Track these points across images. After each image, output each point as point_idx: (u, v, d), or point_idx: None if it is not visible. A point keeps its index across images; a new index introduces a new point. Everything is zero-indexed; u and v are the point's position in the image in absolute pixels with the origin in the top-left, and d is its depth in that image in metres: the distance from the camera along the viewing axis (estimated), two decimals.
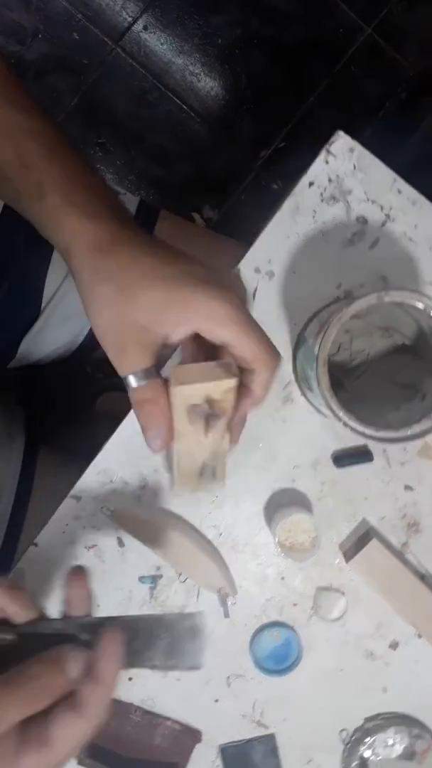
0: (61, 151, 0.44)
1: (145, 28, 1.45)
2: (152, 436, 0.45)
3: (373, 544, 0.55)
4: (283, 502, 0.57)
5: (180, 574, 0.57)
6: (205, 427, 0.48)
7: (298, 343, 0.57)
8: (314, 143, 0.58)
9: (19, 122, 0.44)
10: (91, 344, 0.74)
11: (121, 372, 0.43)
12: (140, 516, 0.55)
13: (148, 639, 0.40)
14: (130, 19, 1.44)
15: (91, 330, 0.72)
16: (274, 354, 0.43)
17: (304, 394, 0.56)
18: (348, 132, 0.56)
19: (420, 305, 0.47)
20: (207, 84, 1.48)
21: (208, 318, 0.41)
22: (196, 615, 0.42)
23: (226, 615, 0.57)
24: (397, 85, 1.42)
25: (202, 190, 1.51)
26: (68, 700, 0.36)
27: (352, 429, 0.48)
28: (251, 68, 1.48)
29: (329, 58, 1.49)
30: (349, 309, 0.47)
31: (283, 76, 1.49)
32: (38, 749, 0.35)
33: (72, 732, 0.36)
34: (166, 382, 0.43)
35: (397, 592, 0.56)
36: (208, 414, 0.49)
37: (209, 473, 0.53)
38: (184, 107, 1.48)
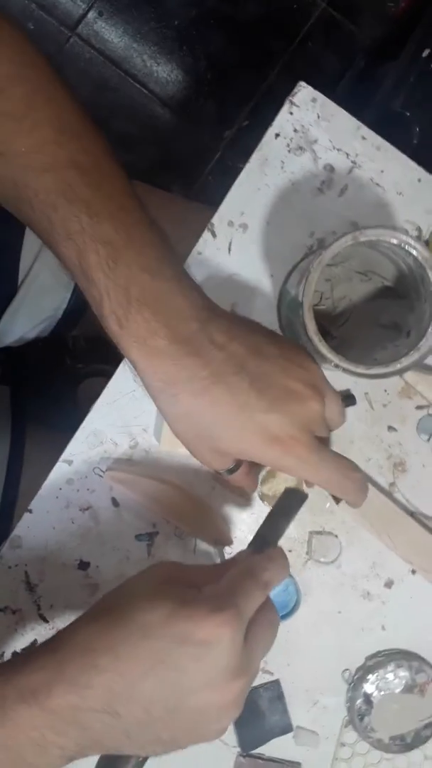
0: (123, 261, 0.41)
1: (100, 14, 1.45)
2: (240, 495, 0.53)
3: None
4: None
5: (176, 528, 0.57)
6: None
7: (281, 298, 0.58)
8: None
9: (83, 225, 0.40)
10: (70, 319, 0.75)
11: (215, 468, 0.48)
12: (132, 473, 0.56)
13: (274, 525, 0.49)
14: (84, 6, 1.44)
15: (70, 303, 0.72)
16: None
17: None
18: None
19: (395, 241, 0.48)
20: (167, 67, 1.48)
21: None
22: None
23: None
24: (354, 55, 1.44)
25: (169, 173, 1.51)
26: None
27: (344, 369, 0.49)
28: (209, 49, 1.49)
29: (286, 34, 1.51)
30: (328, 251, 0.48)
31: (242, 54, 1.50)
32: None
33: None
34: None
35: (389, 530, 0.58)
36: None
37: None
38: (145, 92, 1.48)
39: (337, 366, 0.49)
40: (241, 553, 0.45)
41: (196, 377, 0.41)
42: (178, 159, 1.52)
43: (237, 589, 0.39)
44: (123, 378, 0.56)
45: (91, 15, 1.45)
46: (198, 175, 1.51)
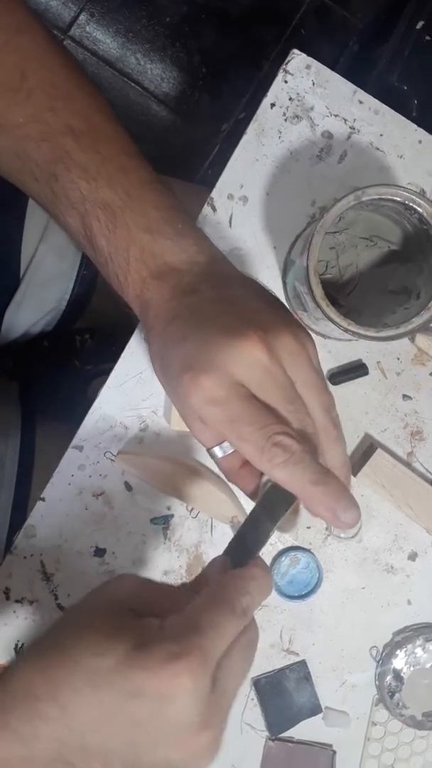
0: (122, 224, 0.40)
1: (92, 15, 1.45)
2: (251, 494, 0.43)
3: (379, 454, 0.56)
4: None
5: (191, 510, 0.56)
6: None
7: (286, 268, 0.57)
8: None
9: (83, 192, 0.40)
10: (75, 311, 0.74)
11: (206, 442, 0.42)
12: (144, 455, 0.55)
13: (257, 529, 0.39)
14: (75, 8, 1.44)
15: (74, 295, 0.72)
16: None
17: (297, 315, 0.56)
18: None
19: (398, 198, 0.47)
20: (160, 64, 1.48)
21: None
22: (268, 484, 0.41)
23: None
24: (347, 39, 1.43)
25: (168, 169, 1.50)
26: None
27: (354, 333, 0.47)
28: (203, 43, 1.48)
29: (278, 24, 1.50)
30: (331, 212, 0.47)
31: (235, 47, 1.49)
32: None
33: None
34: None
35: (409, 499, 0.56)
36: None
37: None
38: (140, 90, 1.48)
39: (346, 330, 0.48)
40: (214, 563, 0.38)
41: (164, 318, 0.40)
42: (177, 155, 1.52)
43: (205, 623, 0.32)
44: (130, 360, 0.56)
45: (82, 17, 1.45)
46: (197, 169, 1.51)
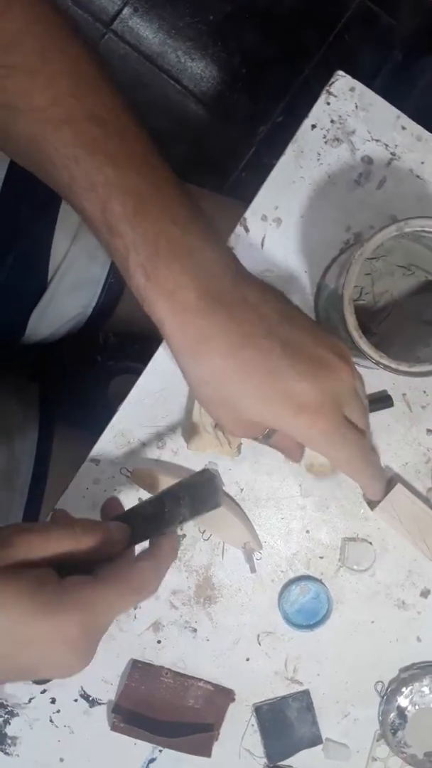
0: (150, 212, 0.39)
1: (136, 10, 1.44)
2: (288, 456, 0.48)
3: (398, 489, 0.54)
4: None
5: (203, 532, 0.56)
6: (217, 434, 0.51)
7: (319, 291, 0.56)
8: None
9: (108, 176, 0.39)
10: (101, 316, 0.74)
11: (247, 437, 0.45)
12: (159, 475, 0.54)
13: (175, 503, 0.42)
14: (119, 2, 1.43)
15: (100, 300, 0.71)
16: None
17: None
18: None
19: None
20: (201, 63, 1.47)
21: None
22: (206, 469, 0.43)
23: (253, 570, 0.56)
24: (392, 48, 1.40)
25: (202, 170, 1.50)
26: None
27: (385, 367, 0.46)
28: (244, 44, 1.47)
29: (322, 28, 1.48)
30: (371, 242, 0.46)
31: (277, 49, 1.48)
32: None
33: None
34: None
35: (426, 537, 0.55)
36: None
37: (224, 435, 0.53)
38: (179, 88, 1.47)
39: (377, 363, 0.47)
40: (115, 528, 0.41)
41: (225, 335, 0.39)
42: (212, 156, 1.50)
43: (101, 597, 0.37)
44: (152, 377, 0.55)
45: (126, 11, 1.44)
46: (231, 172, 1.50)
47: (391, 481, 0.56)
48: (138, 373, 0.56)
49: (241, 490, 0.56)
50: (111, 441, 0.56)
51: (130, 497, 0.56)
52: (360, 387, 0.43)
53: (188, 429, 0.54)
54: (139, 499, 0.56)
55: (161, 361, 0.55)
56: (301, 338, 0.41)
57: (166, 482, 0.54)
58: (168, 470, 0.55)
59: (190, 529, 0.56)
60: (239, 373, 0.39)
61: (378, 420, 0.57)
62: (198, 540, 0.56)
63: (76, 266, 0.67)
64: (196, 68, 1.47)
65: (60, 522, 0.41)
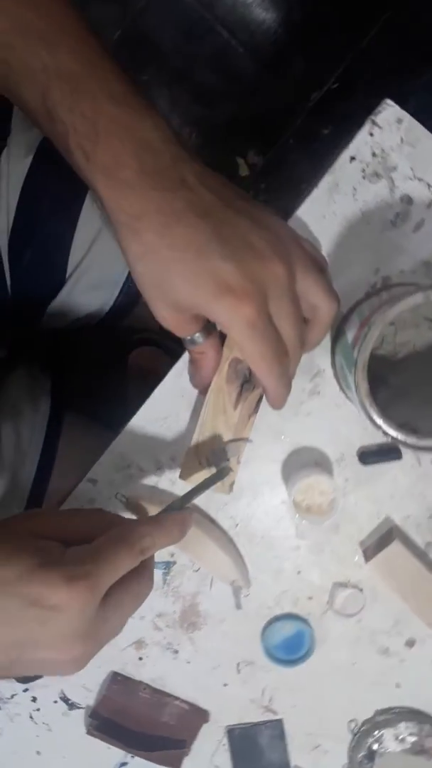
0: (87, 93, 0.39)
1: None
2: (195, 372, 0.49)
3: (395, 546, 0.53)
4: (302, 463, 0.55)
5: (193, 563, 0.56)
6: (238, 396, 0.50)
7: (336, 335, 0.53)
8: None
9: (44, 61, 0.38)
10: (120, 311, 0.72)
11: (177, 334, 0.45)
12: (153, 503, 0.54)
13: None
14: None
15: (118, 300, 0.70)
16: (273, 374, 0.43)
17: (342, 388, 0.53)
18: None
19: None
20: (259, 16, 1.38)
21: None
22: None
23: (239, 607, 0.56)
24: None
25: (248, 132, 1.43)
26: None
27: (393, 438, 0.45)
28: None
29: None
30: (393, 310, 0.43)
31: (341, 9, 1.37)
32: None
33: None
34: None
35: (417, 595, 0.54)
36: (245, 379, 0.48)
37: (219, 461, 0.51)
38: (233, 42, 1.38)
39: (385, 434, 0.45)
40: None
41: (160, 212, 0.39)
42: (259, 116, 1.43)
43: (103, 555, 0.38)
44: (155, 405, 0.54)
45: None
46: (278, 137, 1.42)
47: (389, 534, 0.55)
48: (156, 344, 0.55)
49: (236, 525, 0.56)
50: (110, 462, 0.55)
51: None
52: (312, 288, 0.43)
53: (184, 462, 0.53)
54: None
55: (165, 390, 0.54)
56: (237, 223, 0.40)
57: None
58: (163, 499, 0.54)
59: (181, 556, 0.56)
60: (170, 249, 0.39)
61: (384, 470, 0.55)
62: (188, 568, 0.56)
63: (95, 266, 0.65)
64: (252, 21, 1.38)
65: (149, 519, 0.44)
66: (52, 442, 0.70)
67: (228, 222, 0.40)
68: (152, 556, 0.43)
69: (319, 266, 0.44)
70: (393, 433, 0.45)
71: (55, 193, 0.61)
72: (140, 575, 0.41)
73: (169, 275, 0.40)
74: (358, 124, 0.52)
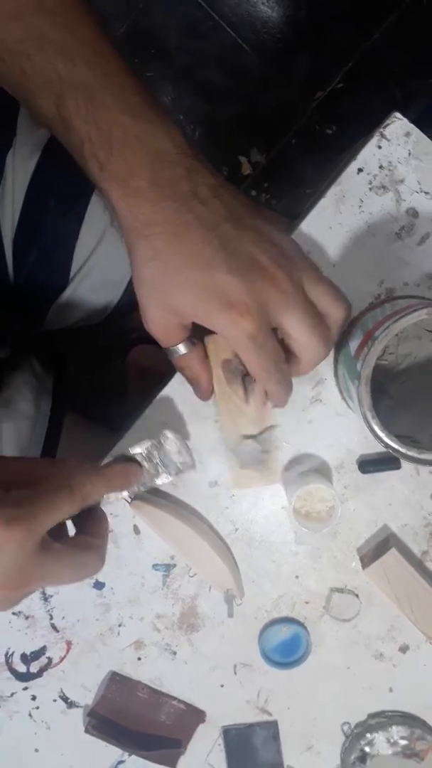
0: (102, 104, 0.40)
1: None
2: (195, 386, 0.49)
3: (392, 554, 0.54)
4: (302, 469, 0.56)
5: (189, 569, 0.57)
6: (245, 391, 0.50)
7: (339, 346, 0.53)
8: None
9: (59, 72, 0.39)
10: (123, 311, 0.72)
11: (163, 345, 0.46)
12: (157, 506, 0.54)
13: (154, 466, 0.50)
14: None
15: (122, 299, 0.70)
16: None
17: (343, 397, 0.54)
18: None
19: None
20: (264, 14, 1.37)
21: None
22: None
23: (230, 615, 0.56)
24: None
25: (252, 131, 1.43)
26: None
27: (394, 451, 0.45)
28: None
29: None
30: (396, 325, 0.44)
31: (347, 7, 1.37)
32: None
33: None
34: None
35: (412, 603, 0.55)
36: (244, 374, 0.49)
37: (258, 457, 0.52)
38: (238, 39, 1.38)
39: (386, 447, 0.45)
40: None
41: (171, 222, 0.40)
42: (262, 115, 1.43)
43: (42, 499, 0.38)
44: (159, 408, 0.54)
45: None
46: (281, 136, 1.42)
47: (386, 542, 0.56)
48: (155, 341, 0.56)
49: (236, 529, 0.56)
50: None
51: (126, 523, 0.56)
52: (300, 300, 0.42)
53: (230, 474, 0.54)
54: (135, 526, 0.56)
55: (164, 398, 0.54)
56: (243, 237, 0.41)
57: (163, 518, 0.54)
58: (166, 504, 0.55)
59: (180, 559, 0.57)
60: (177, 258, 0.40)
61: (383, 478, 0.56)
62: (188, 570, 0.57)
63: (99, 267, 0.65)
64: (257, 19, 1.38)
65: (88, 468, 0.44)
66: (52, 442, 0.71)
67: (235, 236, 0.41)
68: (106, 540, 0.45)
69: (325, 277, 0.45)
70: (395, 446, 0.45)
71: (61, 193, 0.62)
72: (91, 549, 0.42)
73: (174, 282, 0.41)
74: (363, 125, 0.52)
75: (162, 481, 0.50)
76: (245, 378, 0.50)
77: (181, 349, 0.46)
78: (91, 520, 0.46)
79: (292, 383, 0.46)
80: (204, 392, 0.50)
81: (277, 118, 1.41)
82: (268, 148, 1.42)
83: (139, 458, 0.50)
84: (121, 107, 0.39)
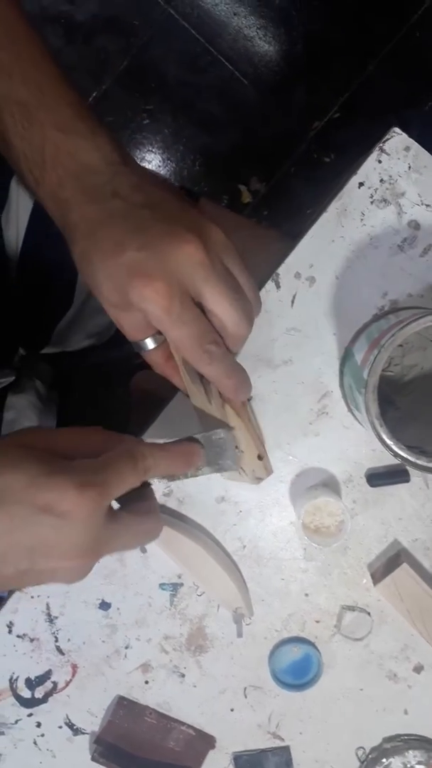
0: (36, 120, 0.41)
1: None
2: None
3: (403, 569, 0.53)
4: (310, 484, 0.55)
5: (197, 588, 0.56)
6: (206, 391, 0.47)
7: (345, 357, 0.54)
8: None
9: (2, 87, 0.40)
10: (122, 338, 0.73)
11: (127, 336, 0.45)
12: (164, 523, 0.54)
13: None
14: None
15: None
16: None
17: (350, 409, 0.54)
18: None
19: None
20: (261, 48, 1.41)
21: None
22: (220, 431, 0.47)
23: (240, 635, 0.55)
24: None
25: (251, 160, 1.46)
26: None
27: (403, 459, 0.45)
28: (308, 32, 1.40)
29: (393, 22, 1.40)
30: (402, 332, 0.44)
31: (342, 41, 1.41)
32: None
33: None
34: None
35: (425, 619, 0.54)
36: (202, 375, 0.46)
37: (220, 456, 0.49)
38: (236, 73, 1.42)
39: (395, 456, 0.45)
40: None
41: (91, 221, 0.41)
42: (261, 145, 1.46)
43: (110, 466, 0.37)
44: (164, 425, 0.54)
45: None
46: (280, 165, 1.45)
47: (397, 557, 0.55)
48: None
49: (244, 546, 0.56)
50: None
51: None
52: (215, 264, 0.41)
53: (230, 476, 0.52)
54: None
55: (174, 407, 0.54)
56: (157, 217, 0.41)
57: (171, 536, 0.53)
58: (173, 522, 0.54)
59: (187, 578, 0.56)
60: (99, 253, 0.40)
61: (392, 492, 0.55)
62: (195, 590, 0.56)
63: None
64: (255, 54, 1.41)
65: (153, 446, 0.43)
66: None
67: (149, 217, 0.40)
68: (157, 510, 0.43)
69: (236, 247, 0.44)
70: (404, 454, 0.45)
71: None
72: (150, 515, 0.41)
73: (103, 276, 0.40)
74: (360, 153, 0.53)
75: (204, 474, 0.47)
76: (203, 378, 0.47)
77: (149, 344, 0.45)
78: (139, 500, 0.43)
79: (239, 368, 0.44)
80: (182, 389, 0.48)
81: (275, 148, 1.44)
82: (267, 176, 1.45)
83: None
84: (55, 123, 0.41)
